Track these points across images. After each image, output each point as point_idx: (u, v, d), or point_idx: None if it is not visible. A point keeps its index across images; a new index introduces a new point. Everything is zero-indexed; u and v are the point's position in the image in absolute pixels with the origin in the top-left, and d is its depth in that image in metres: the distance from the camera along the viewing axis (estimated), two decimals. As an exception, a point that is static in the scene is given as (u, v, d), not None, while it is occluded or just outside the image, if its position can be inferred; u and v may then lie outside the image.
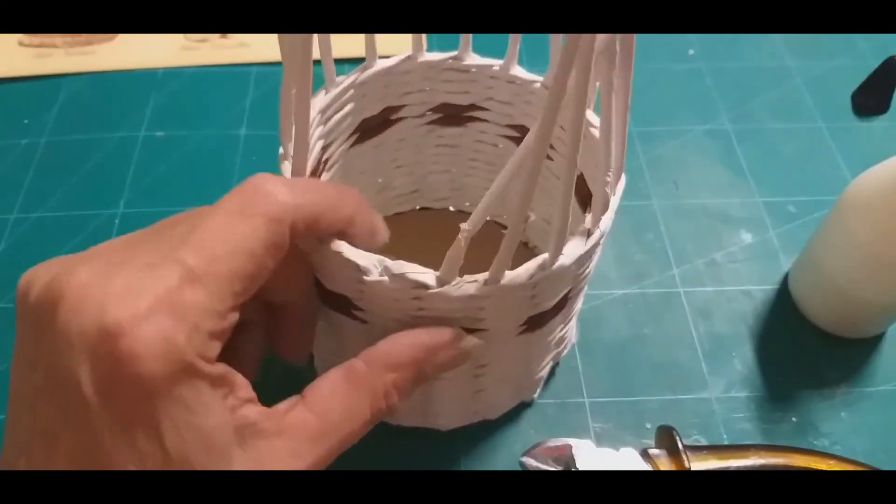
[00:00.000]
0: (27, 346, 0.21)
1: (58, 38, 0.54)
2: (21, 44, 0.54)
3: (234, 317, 0.21)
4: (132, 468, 0.19)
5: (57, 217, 0.44)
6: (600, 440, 0.35)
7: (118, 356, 0.19)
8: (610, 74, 0.24)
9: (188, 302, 0.20)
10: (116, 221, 0.44)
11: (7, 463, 0.21)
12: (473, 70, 0.35)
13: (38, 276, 0.21)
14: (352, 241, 0.26)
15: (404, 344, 0.25)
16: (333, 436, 0.23)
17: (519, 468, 0.33)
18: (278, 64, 0.54)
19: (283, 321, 0.28)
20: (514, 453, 0.35)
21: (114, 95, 0.51)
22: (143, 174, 0.46)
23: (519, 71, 0.35)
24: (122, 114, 0.50)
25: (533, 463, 0.33)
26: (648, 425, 0.36)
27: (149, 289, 0.20)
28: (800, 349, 0.39)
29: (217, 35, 0.55)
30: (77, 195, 0.45)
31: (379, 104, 0.36)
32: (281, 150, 0.29)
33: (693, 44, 0.56)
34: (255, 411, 0.22)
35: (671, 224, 0.45)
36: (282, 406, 0.23)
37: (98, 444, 0.19)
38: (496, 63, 0.35)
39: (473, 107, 0.37)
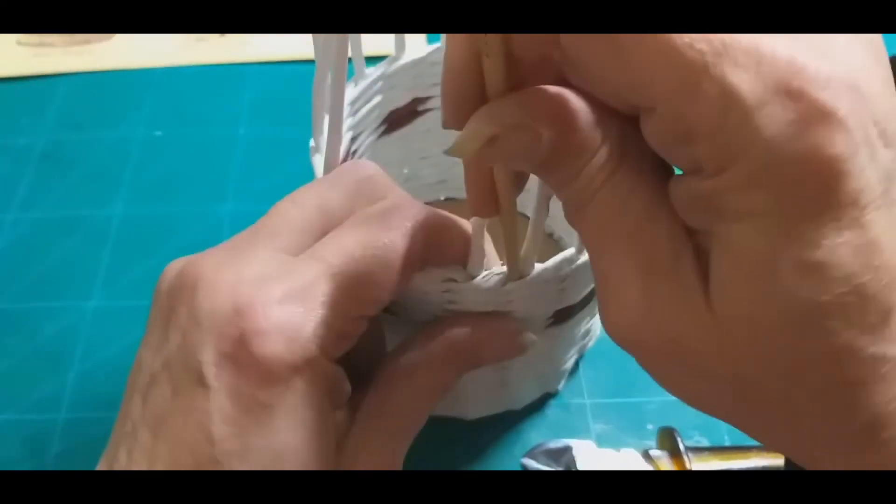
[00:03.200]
0: (155, 335, 0.21)
1: (56, 38, 0.54)
2: (19, 43, 0.53)
3: (362, 325, 0.21)
4: (236, 462, 0.18)
5: (55, 217, 0.44)
6: (601, 441, 0.35)
7: (245, 335, 0.19)
8: None
9: (323, 296, 0.20)
10: (115, 221, 0.44)
11: (108, 454, 0.20)
12: None
13: (171, 268, 0.21)
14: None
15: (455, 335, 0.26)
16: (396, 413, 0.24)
17: (519, 469, 0.33)
18: (277, 63, 0.54)
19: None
20: (514, 454, 0.35)
21: (112, 94, 0.51)
22: (141, 173, 0.46)
23: None
24: (121, 113, 0.50)
25: (534, 464, 0.33)
26: (650, 426, 0.36)
27: (284, 277, 0.20)
28: (802, 349, 0.39)
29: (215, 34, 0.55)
30: (75, 194, 0.45)
31: (407, 95, 0.36)
32: (312, 143, 0.29)
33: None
34: (343, 412, 0.22)
35: (672, 223, 0.44)
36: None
37: (205, 430, 0.19)
38: None
39: None
